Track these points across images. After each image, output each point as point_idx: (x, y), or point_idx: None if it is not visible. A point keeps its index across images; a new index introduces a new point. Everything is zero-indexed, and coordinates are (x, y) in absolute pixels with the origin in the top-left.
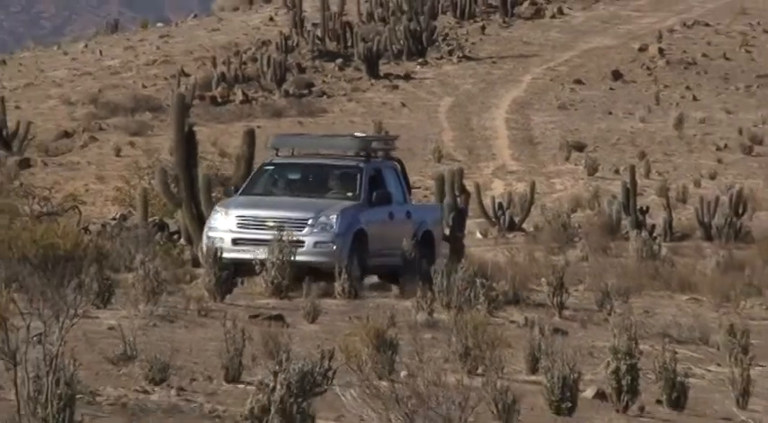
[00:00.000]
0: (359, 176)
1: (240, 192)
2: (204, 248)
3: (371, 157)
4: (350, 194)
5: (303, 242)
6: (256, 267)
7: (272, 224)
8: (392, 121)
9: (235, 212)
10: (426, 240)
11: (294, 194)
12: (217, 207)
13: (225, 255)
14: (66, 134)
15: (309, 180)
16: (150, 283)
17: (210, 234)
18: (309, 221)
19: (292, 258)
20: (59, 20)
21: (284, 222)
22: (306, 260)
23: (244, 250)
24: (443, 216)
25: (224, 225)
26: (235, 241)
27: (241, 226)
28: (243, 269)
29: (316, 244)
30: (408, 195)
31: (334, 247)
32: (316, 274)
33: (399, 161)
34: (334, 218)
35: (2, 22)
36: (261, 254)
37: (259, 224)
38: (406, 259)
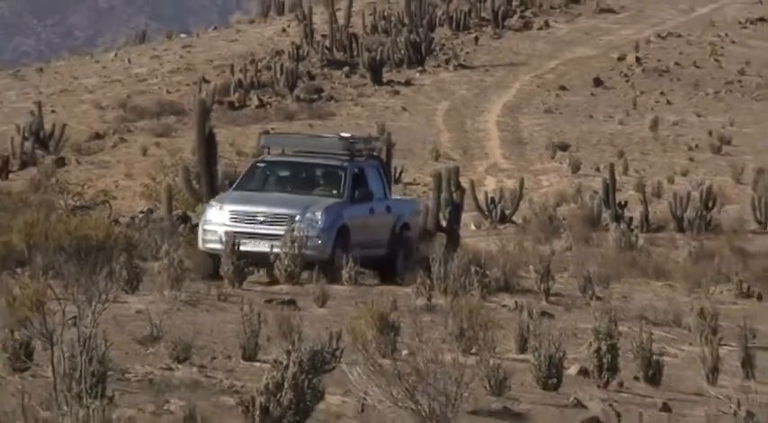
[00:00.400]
0: (343, 175)
1: (234, 187)
2: (200, 240)
3: (355, 157)
4: (334, 192)
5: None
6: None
7: (262, 219)
8: (394, 123)
9: (228, 207)
10: (404, 232)
11: (284, 191)
12: (212, 202)
13: (219, 247)
14: (98, 135)
15: (298, 177)
16: (174, 271)
17: (206, 227)
18: (297, 217)
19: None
20: (91, 31)
21: (273, 217)
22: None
23: (239, 241)
24: (420, 209)
25: (218, 219)
26: (228, 235)
27: (234, 220)
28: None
29: (303, 238)
30: (389, 191)
31: (320, 242)
32: (304, 265)
33: (380, 160)
34: (319, 214)
35: (39, 34)
36: (253, 246)
37: (250, 218)
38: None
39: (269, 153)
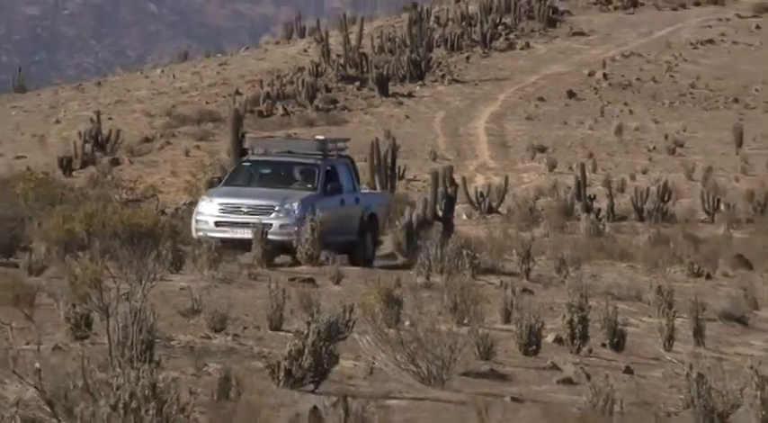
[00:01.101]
0: (317, 171)
1: (222, 183)
2: (193, 229)
3: (327, 156)
4: (309, 186)
5: (271, 225)
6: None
7: (246, 210)
8: (398, 129)
9: (217, 200)
10: (372, 220)
11: (265, 186)
12: (203, 196)
13: (209, 234)
14: (147, 139)
15: (278, 174)
16: (212, 254)
17: (198, 217)
18: (276, 208)
19: (263, 237)
20: (141, 51)
21: (255, 208)
22: (274, 239)
23: (224, 231)
24: (388, 201)
25: (209, 210)
26: (217, 223)
27: (222, 211)
28: (227, 245)
29: (281, 226)
30: (357, 184)
31: (296, 229)
32: (282, 249)
33: (350, 158)
34: (295, 205)
35: (98, 53)
36: (238, 234)
37: (236, 209)
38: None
39: (253, 153)
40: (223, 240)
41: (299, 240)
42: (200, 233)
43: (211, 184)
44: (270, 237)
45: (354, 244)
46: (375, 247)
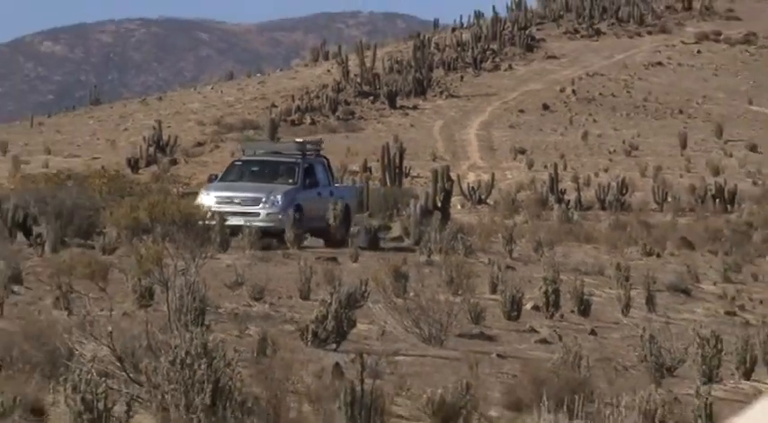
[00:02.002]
0: (296, 169)
1: (218, 179)
2: None
3: (306, 156)
4: (290, 181)
5: (259, 214)
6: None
7: (237, 201)
8: (404, 135)
9: (213, 193)
10: (344, 210)
11: (254, 181)
12: (202, 189)
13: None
14: (199, 144)
15: (264, 171)
16: (253, 237)
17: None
18: (263, 199)
19: (251, 224)
20: (195, 72)
21: (246, 200)
22: (261, 225)
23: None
24: (359, 193)
25: (207, 201)
26: (215, 211)
27: (218, 202)
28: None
29: (267, 215)
30: (332, 179)
31: (280, 217)
32: (268, 234)
33: (326, 158)
34: (279, 197)
35: (158, 73)
36: (231, 221)
37: (229, 201)
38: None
39: (243, 153)
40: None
41: (282, 227)
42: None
43: (210, 180)
44: (258, 224)
45: (326, 229)
46: (348, 231)
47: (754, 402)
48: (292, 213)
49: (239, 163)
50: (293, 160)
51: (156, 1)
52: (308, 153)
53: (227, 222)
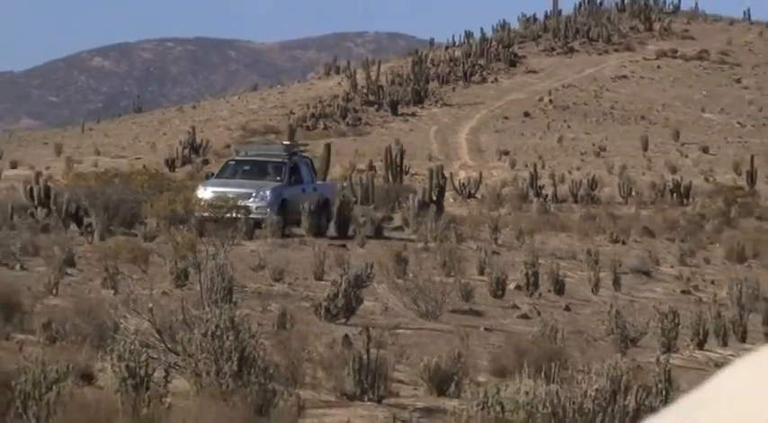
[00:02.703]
0: (283, 168)
1: (214, 176)
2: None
3: (292, 156)
4: (278, 179)
5: (252, 206)
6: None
7: (231, 196)
8: (405, 139)
9: (210, 189)
10: (325, 204)
11: (245, 178)
12: (200, 185)
13: (204, 213)
14: (228, 146)
15: (255, 169)
16: (273, 226)
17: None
18: (253, 194)
19: (244, 216)
20: (225, 84)
21: (240, 194)
22: (252, 217)
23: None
24: (339, 190)
25: (206, 195)
26: (212, 205)
27: (215, 197)
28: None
29: (257, 208)
30: (314, 177)
31: (268, 210)
32: (258, 225)
33: (309, 158)
34: (268, 193)
35: (193, 85)
36: (225, 213)
37: (223, 195)
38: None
39: (237, 154)
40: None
41: (269, 218)
42: (197, 213)
43: (207, 177)
44: (253, 215)
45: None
46: (328, 221)
47: (711, 375)
48: (279, 207)
49: (233, 162)
50: (280, 160)
51: (192, 22)
52: (294, 154)
53: (219, 214)
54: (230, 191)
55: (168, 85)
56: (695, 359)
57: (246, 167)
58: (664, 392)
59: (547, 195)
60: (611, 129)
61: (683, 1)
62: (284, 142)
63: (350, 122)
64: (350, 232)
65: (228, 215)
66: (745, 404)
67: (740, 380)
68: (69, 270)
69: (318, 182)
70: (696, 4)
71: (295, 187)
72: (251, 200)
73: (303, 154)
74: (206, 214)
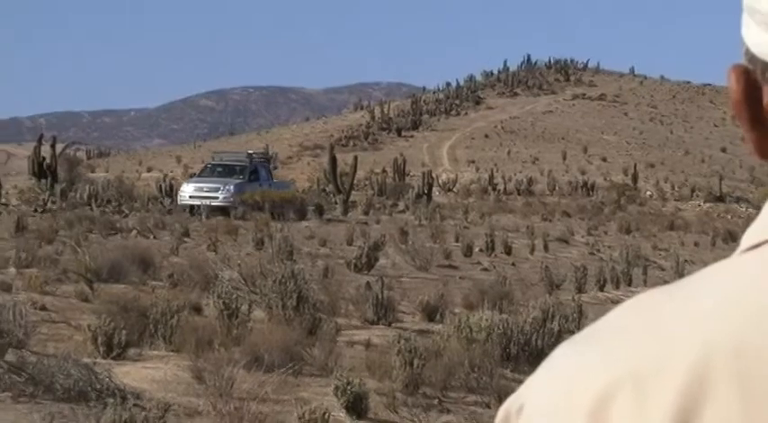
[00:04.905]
0: (245, 169)
1: (196, 175)
2: (178, 199)
3: (253, 160)
4: (240, 177)
5: (218, 197)
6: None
7: (206, 189)
8: (406, 152)
9: (192, 185)
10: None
11: (217, 177)
12: (184, 182)
13: (186, 202)
14: (290, 157)
15: (225, 171)
16: (318, 211)
17: (181, 194)
18: (221, 188)
19: (212, 204)
20: (287, 116)
21: (211, 188)
22: (219, 205)
23: (194, 200)
24: (290, 186)
25: (187, 190)
26: (190, 196)
27: (193, 190)
28: (195, 208)
29: (223, 198)
30: (271, 177)
31: (232, 199)
32: (223, 211)
33: (267, 162)
34: (231, 187)
35: (266, 117)
36: (202, 201)
37: (200, 189)
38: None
39: (213, 160)
40: (193, 205)
41: (234, 206)
42: (182, 202)
43: (191, 176)
44: (217, 203)
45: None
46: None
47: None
48: (238, 197)
49: (210, 166)
50: (243, 163)
51: (266, 74)
52: (254, 159)
53: (197, 202)
54: (205, 185)
55: (250, 117)
56: (598, 297)
57: (219, 169)
58: (577, 320)
59: (499, 190)
60: (541, 146)
61: (590, 61)
62: (249, 151)
63: (370, 142)
64: (370, 213)
65: (201, 203)
66: (626, 333)
67: (624, 314)
68: (185, 239)
69: (275, 180)
70: (598, 63)
71: (253, 183)
72: (219, 192)
73: (262, 160)
74: (186, 202)
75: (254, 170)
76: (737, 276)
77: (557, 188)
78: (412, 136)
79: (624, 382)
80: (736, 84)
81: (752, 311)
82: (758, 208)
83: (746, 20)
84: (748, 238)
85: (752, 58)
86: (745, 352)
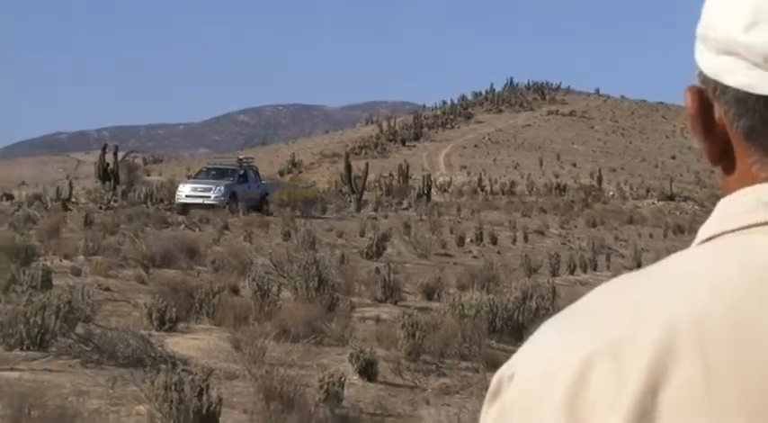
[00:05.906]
0: (236, 172)
1: (193, 177)
2: (176, 198)
3: (242, 165)
4: (231, 179)
5: (210, 196)
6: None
7: (200, 189)
8: (409, 159)
9: (189, 185)
10: (264, 196)
11: (211, 178)
12: (182, 183)
13: (182, 201)
14: (312, 163)
15: (218, 173)
16: (335, 208)
17: (178, 193)
18: (213, 188)
19: (206, 202)
20: (310, 130)
21: (205, 188)
22: (211, 203)
23: (190, 199)
24: (276, 187)
25: (184, 190)
26: (186, 196)
27: (191, 190)
28: (190, 207)
29: (215, 197)
30: (259, 178)
31: (222, 198)
32: (214, 208)
33: (255, 166)
34: (222, 188)
35: (292, 130)
36: (197, 200)
37: (196, 189)
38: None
39: (208, 164)
40: (189, 203)
41: (222, 204)
42: (179, 200)
43: (188, 177)
44: (209, 202)
45: (256, 206)
46: (268, 208)
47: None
48: (230, 197)
49: (205, 169)
50: (234, 167)
51: (293, 94)
52: (243, 164)
53: (193, 201)
54: (199, 186)
55: (280, 130)
56: (569, 280)
57: (213, 172)
58: (551, 299)
59: (487, 191)
60: (522, 154)
61: (562, 83)
62: (239, 156)
63: (379, 151)
64: (379, 210)
65: (198, 201)
66: (601, 312)
67: (599, 296)
68: (225, 231)
69: (264, 182)
70: (569, 85)
71: (242, 185)
72: (211, 192)
73: (250, 164)
74: (182, 201)
75: (244, 173)
76: (694, 263)
77: (534, 189)
78: (414, 146)
79: (603, 352)
80: (691, 101)
81: (707, 291)
82: (702, 205)
83: (699, 46)
84: (703, 232)
85: (704, 79)
86: (704, 324)
